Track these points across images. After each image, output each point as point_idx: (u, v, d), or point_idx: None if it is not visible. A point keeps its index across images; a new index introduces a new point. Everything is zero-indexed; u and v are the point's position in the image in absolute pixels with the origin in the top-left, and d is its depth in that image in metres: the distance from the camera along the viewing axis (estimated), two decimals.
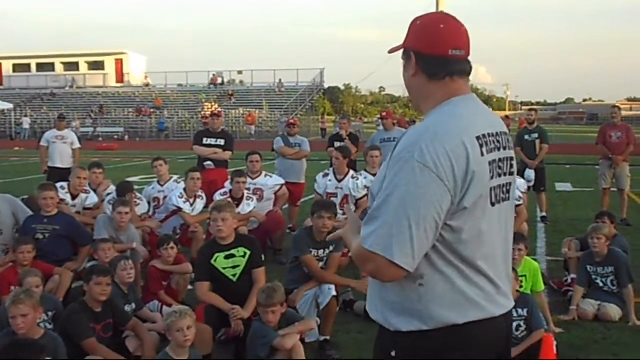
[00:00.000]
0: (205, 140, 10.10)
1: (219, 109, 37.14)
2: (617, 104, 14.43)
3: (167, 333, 4.37)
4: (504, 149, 2.12)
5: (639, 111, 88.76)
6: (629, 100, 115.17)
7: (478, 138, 2.02)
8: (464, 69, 2.14)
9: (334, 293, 5.48)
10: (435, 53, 2.09)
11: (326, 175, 8.55)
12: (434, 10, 39.64)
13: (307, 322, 4.99)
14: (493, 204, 2.07)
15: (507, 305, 2.16)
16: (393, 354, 2.08)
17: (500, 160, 2.09)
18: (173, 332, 4.25)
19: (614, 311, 6.01)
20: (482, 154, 2.01)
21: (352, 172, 8.46)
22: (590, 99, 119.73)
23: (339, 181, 8.35)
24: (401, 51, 2.20)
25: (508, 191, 2.15)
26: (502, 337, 2.15)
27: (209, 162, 9.70)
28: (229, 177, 10.13)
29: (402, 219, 1.90)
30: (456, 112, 2.07)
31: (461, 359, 2.05)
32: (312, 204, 6.01)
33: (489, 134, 2.06)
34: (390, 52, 2.22)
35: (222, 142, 10.09)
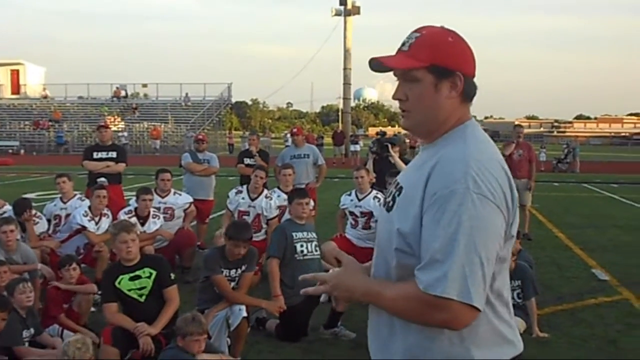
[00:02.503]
0: (95, 154, 9.72)
1: (109, 120, 36.28)
2: (519, 123, 15.12)
3: None
4: None
5: (537, 129, 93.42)
6: (528, 118, 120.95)
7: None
8: None
9: (245, 314, 5.39)
10: (473, 74, 1.98)
11: (239, 192, 8.39)
12: (341, 27, 40.22)
13: (229, 359, 4.86)
14: None
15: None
16: None
17: None
18: None
19: (518, 323, 6.19)
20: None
21: (266, 192, 8.32)
22: (491, 116, 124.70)
23: (252, 200, 8.21)
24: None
25: None
26: None
27: (102, 179, 9.26)
28: (123, 192, 9.85)
29: (474, 257, 1.74)
30: (481, 136, 1.98)
31: None
32: (228, 226, 5.84)
33: None
34: (397, 66, 1.96)
35: (113, 154, 9.75)
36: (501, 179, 1.84)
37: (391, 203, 1.98)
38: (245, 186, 8.41)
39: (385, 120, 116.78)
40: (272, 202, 8.12)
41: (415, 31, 1.98)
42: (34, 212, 7.57)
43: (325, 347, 5.88)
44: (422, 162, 1.96)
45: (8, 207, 7.76)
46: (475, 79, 1.99)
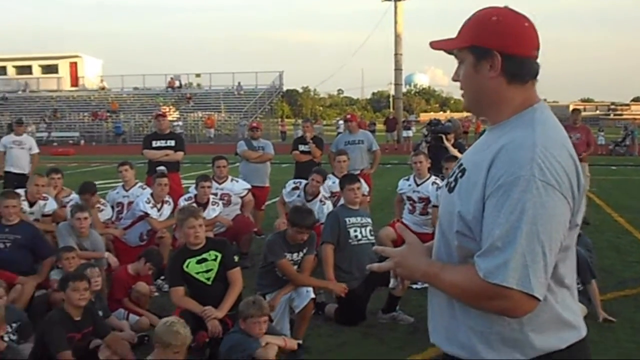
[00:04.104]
0: (154, 143, 9.93)
1: (164, 110, 36.96)
2: (576, 107, 14.85)
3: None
4: None
5: (592, 112, 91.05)
6: (583, 100, 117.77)
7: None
8: (539, 71, 1.97)
9: (313, 295, 5.50)
10: (522, 54, 1.91)
11: (296, 189, 8.26)
12: (392, 12, 39.87)
13: (292, 341, 4.95)
14: None
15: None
16: None
17: None
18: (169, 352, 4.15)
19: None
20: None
21: (322, 195, 8.02)
22: (545, 99, 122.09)
23: (308, 201, 7.99)
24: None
25: None
26: (589, 356, 1.99)
27: (161, 167, 9.44)
28: (181, 180, 10.05)
29: (536, 246, 1.71)
30: (550, 121, 1.91)
31: None
32: (291, 213, 5.85)
33: None
34: (439, 47, 2.02)
35: (172, 143, 9.94)
36: (568, 167, 1.80)
37: (453, 184, 1.96)
38: (302, 184, 8.24)
39: (437, 105, 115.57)
40: (325, 207, 7.76)
41: (474, 12, 1.99)
42: (100, 199, 7.84)
43: (384, 331, 5.93)
44: (487, 144, 1.93)
45: (74, 195, 8.03)
46: (528, 58, 1.93)
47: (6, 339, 4.62)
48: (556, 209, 1.75)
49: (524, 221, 1.71)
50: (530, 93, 1.96)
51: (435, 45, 2.03)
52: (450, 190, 1.98)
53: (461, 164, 2.00)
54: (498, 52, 1.89)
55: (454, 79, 2.04)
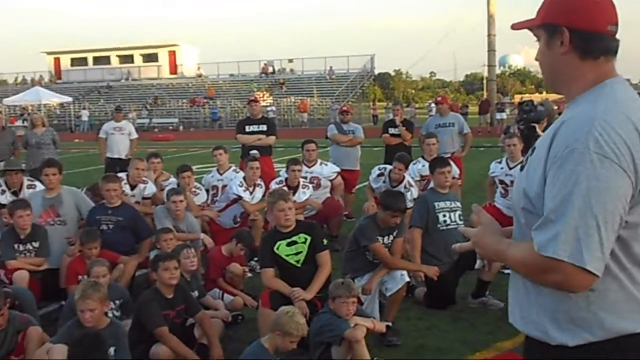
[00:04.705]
0: (247, 128, 10.19)
1: (257, 95, 37.51)
2: None
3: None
4: None
5: None
6: None
7: None
8: (617, 47, 1.93)
9: (407, 279, 5.50)
10: (592, 29, 1.89)
11: (381, 175, 8.31)
12: None
13: (380, 324, 4.97)
14: None
15: None
16: None
17: None
18: (286, 340, 4.26)
19: None
20: None
21: (406, 181, 8.02)
22: None
23: (393, 187, 7.96)
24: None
25: None
26: None
27: (254, 151, 9.64)
28: (273, 164, 10.23)
29: (589, 219, 1.70)
30: (617, 96, 1.86)
31: None
32: (383, 197, 5.86)
33: None
34: (518, 27, 2.04)
35: (264, 127, 10.16)
36: (631, 140, 1.75)
37: (525, 162, 2.01)
38: (387, 170, 8.27)
39: (532, 87, 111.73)
40: (409, 193, 7.72)
41: None
42: (195, 184, 8.13)
43: (473, 316, 5.89)
44: (557, 122, 1.95)
45: (173, 179, 8.36)
46: (599, 33, 1.89)
47: (110, 315, 4.87)
48: (611, 182, 1.71)
49: (575, 194, 1.71)
50: (605, 69, 1.92)
51: (515, 26, 2.06)
52: (522, 169, 2.02)
53: (535, 144, 2.03)
54: (566, 28, 1.90)
55: (536, 59, 2.05)
